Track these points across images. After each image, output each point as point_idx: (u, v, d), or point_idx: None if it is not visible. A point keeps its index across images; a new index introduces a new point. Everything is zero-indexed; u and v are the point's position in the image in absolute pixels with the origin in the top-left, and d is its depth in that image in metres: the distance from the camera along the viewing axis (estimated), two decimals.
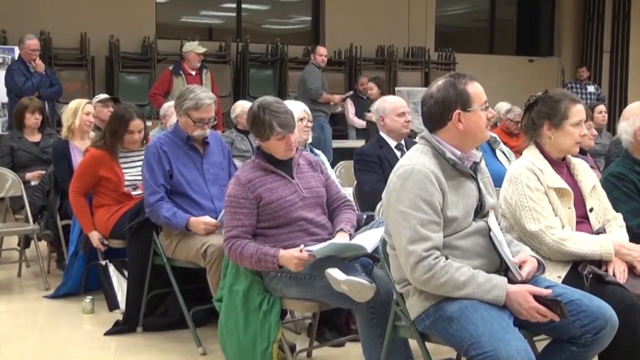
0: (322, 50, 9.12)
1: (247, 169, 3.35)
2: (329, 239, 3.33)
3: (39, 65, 7.52)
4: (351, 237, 3.30)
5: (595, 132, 4.88)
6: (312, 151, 4.47)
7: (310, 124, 4.42)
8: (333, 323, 3.98)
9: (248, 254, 3.18)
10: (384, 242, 2.81)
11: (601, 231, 3.10)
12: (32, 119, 6.02)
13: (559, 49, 13.06)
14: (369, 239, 3.13)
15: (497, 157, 4.85)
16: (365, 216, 3.64)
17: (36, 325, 4.48)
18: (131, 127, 4.61)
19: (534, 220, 2.99)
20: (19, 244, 5.82)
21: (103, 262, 4.65)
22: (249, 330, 3.31)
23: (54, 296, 4.91)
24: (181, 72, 8.10)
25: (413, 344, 2.88)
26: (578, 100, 3.17)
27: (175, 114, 4.21)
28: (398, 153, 4.46)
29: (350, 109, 9.69)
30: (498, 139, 5.04)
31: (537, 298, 2.48)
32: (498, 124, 7.75)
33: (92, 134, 5.49)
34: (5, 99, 7.80)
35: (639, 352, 2.73)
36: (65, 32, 9.35)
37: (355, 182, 4.59)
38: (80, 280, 4.90)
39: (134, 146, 4.68)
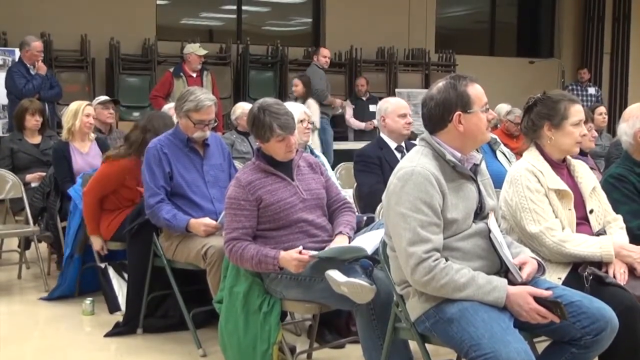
0: (325, 51, 9.12)
1: (248, 170, 3.35)
2: (329, 240, 3.34)
3: (41, 68, 7.52)
4: (350, 239, 3.30)
5: (596, 134, 4.88)
6: (312, 152, 4.47)
7: (310, 126, 4.42)
8: (333, 325, 3.98)
9: (248, 255, 3.18)
10: (384, 244, 2.81)
11: (601, 233, 3.10)
12: (33, 121, 6.02)
13: (559, 50, 13.07)
14: (369, 241, 3.13)
15: (497, 159, 4.84)
16: (365, 218, 3.64)
17: (36, 327, 4.48)
18: None
19: (534, 222, 2.99)
20: (19, 246, 5.82)
21: (102, 265, 4.66)
22: (249, 332, 3.30)
23: (49, 298, 4.91)
24: (182, 74, 8.10)
25: (413, 345, 2.88)
26: (577, 101, 3.18)
27: (176, 115, 4.21)
28: (398, 155, 4.46)
29: (349, 110, 9.70)
30: (498, 140, 5.04)
31: (537, 299, 2.48)
32: (498, 125, 7.75)
33: (92, 135, 5.49)
34: (6, 101, 7.80)
35: (639, 353, 2.73)
36: (66, 33, 9.36)
37: (356, 183, 4.60)
38: (75, 283, 4.90)
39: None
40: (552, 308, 2.45)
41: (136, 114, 9.34)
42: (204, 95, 4.01)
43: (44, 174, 5.65)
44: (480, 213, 2.69)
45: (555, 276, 2.95)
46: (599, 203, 3.20)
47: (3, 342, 4.09)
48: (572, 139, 3.12)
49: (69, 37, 9.43)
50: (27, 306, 4.87)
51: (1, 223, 5.89)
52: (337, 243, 3.26)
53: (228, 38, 10.41)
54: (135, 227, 4.13)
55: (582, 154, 3.96)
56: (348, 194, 4.36)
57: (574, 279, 2.91)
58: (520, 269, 2.63)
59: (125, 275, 4.55)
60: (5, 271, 5.77)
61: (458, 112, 2.62)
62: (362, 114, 9.70)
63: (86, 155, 5.37)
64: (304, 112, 4.35)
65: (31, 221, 5.36)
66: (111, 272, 4.65)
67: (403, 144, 4.57)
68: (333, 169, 5.23)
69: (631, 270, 2.99)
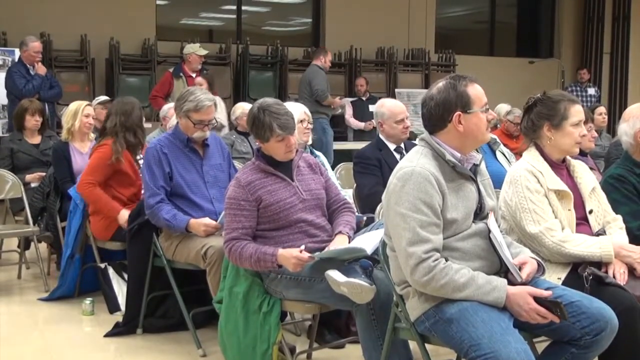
0: (329, 55, 9.12)
1: (247, 171, 3.35)
2: (329, 240, 3.34)
3: (41, 69, 7.52)
4: (350, 239, 3.30)
5: (596, 134, 4.88)
6: (312, 152, 4.46)
7: (310, 126, 4.42)
8: (333, 325, 3.98)
9: (247, 254, 3.18)
10: (383, 244, 2.81)
11: (601, 233, 3.10)
12: (32, 121, 6.02)
13: (559, 50, 13.07)
14: (368, 241, 3.13)
15: (497, 159, 4.85)
16: (365, 218, 3.65)
17: (36, 327, 4.48)
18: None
19: (533, 222, 2.99)
20: (18, 246, 5.82)
21: (102, 265, 4.66)
22: (248, 332, 3.30)
23: (49, 299, 4.91)
24: (182, 74, 8.10)
25: (413, 345, 2.88)
26: (577, 101, 3.18)
27: (175, 115, 4.21)
28: (397, 156, 4.45)
29: (348, 110, 9.70)
30: (498, 140, 5.04)
31: (537, 300, 2.48)
32: (498, 125, 7.75)
33: (92, 135, 5.49)
34: (5, 101, 7.81)
35: (639, 353, 2.73)
36: (66, 34, 9.36)
37: (355, 184, 4.59)
38: (76, 283, 4.90)
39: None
40: (552, 308, 2.45)
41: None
42: (204, 96, 4.02)
43: (43, 174, 5.65)
44: (480, 213, 2.69)
45: (555, 276, 2.95)
46: (598, 203, 3.21)
47: (3, 342, 4.09)
48: (572, 139, 3.12)
49: (68, 37, 9.43)
50: (27, 306, 4.87)
51: (1, 223, 5.88)
52: (337, 243, 3.26)
53: (228, 38, 10.41)
54: (135, 227, 4.13)
55: (582, 154, 3.96)
56: (348, 194, 4.36)
57: (573, 279, 2.91)
58: (520, 269, 2.63)
59: (125, 275, 4.56)
60: (5, 271, 5.77)
61: (458, 112, 2.62)
62: (362, 113, 9.70)
63: (86, 155, 5.34)
64: (303, 112, 4.35)
65: (31, 221, 5.36)
66: (111, 272, 4.65)
67: (402, 145, 4.56)
68: (333, 169, 5.23)
69: (631, 270, 2.99)
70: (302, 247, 3.14)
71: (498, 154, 4.90)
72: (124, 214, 4.50)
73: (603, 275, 2.91)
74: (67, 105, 5.60)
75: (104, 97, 6.73)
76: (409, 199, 2.53)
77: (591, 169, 3.49)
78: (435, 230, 2.53)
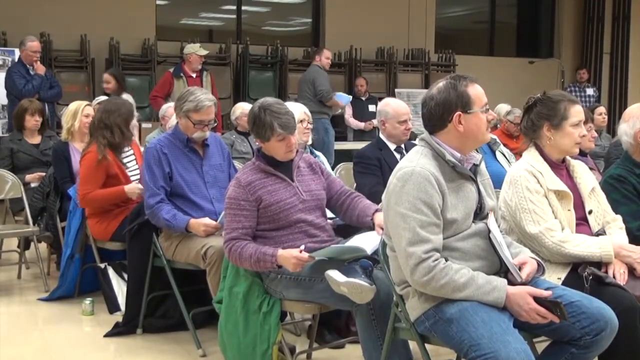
0: (327, 53, 9.01)
1: (248, 171, 3.35)
2: (329, 240, 3.34)
3: (40, 68, 7.52)
4: None
5: (596, 134, 4.87)
6: (312, 152, 4.47)
7: (310, 126, 4.42)
8: (333, 325, 3.98)
9: (247, 254, 3.18)
10: (383, 244, 2.81)
11: (601, 233, 3.10)
12: (32, 121, 6.03)
13: (559, 50, 13.07)
14: (368, 241, 3.13)
15: (497, 159, 4.84)
16: None
17: (36, 327, 4.48)
18: (135, 117, 4.74)
19: (533, 223, 2.99)
20: (18, 246, 5.82)
21: (102, 265, 4.66)
22: (248, 332, 3.30)
23: (49, 299, 4.92)
24: (182, 74, 8.10)
25: (413, 345, 2.88)
26: (577, 101, 3.18)
27: (175, 115, 4.21)
28: (397, 155, 4.46)
29: (348, 110, 9.69)
30: (498, 140, 5.04)
31: (537, 300, 2.48)
32: (498, 125, 7.75)
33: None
34: (5, 101, 7.81)
35: (638, 353, 2.73)
36: (66, 34, 9.36)
37: (355, 184, 4.59)
38: (75, 283, 4.91)
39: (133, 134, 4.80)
40: (551, 308, 2.45)
41: (136, 114, 9.31)
42: (204, 96, 4.02)
43: (43, 174, 5.65)
44: (479, 213, 2.69)
45: (555, 276, 2.95)
46: (598, 203, 3.21)
47: (3, 342, 4.09)
48: (572, 139, 3.12)
49: (68, 37, 9.43)
50: (27, 306, 4.87)
51: (1, 223, 5.88)
52: (378, 218, 3.24)
53: (228, 38, 10.41)
54: (135, 227, 4.13)
55: (582, 154, 3.95)
56: None
57: (573, 279, 2.91)
58: (520, 269, 2.63)
59: (125, 276, 4.56)
60: (5, 271, 5.77)
61: (458, 112, 2.62)
62: (362, 113, 9.70)
63: None
64: (304, 112, 4.35)
65: (31, 221, 5.36)
66: (111, 272, 4.65)
67: (402, 145, 4.56)
68: (333, 169, 5.22)
69: (631, 270, 2.99)
70: (302, 247, 3.14)
71: (498, 154, 4.90)
72: (132, 187, 4.52)
73: (603, 275, 2.91)
74: (67, 105, 5.60)
75: (103, 97, 6.73)
76: (409, 199, 2.53)
77: (591, 169, 3.49)
78: (435, 230, 2.53)
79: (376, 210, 3.39)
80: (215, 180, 4.07)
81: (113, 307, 4.58)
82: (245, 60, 10.30)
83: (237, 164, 4.73)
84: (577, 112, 3.13)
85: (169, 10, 10.94)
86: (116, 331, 4.18)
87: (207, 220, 3.85)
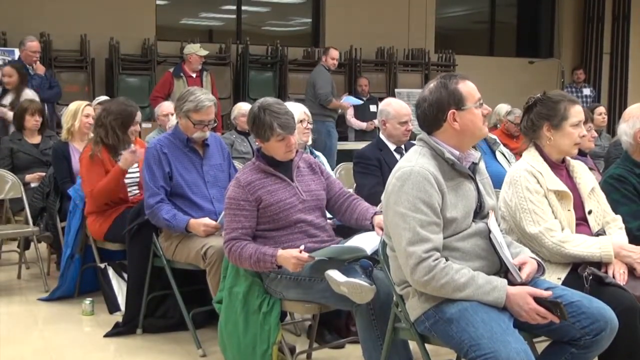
0: (334, 53, 8.90)
1: (247, 171, 3.35)
2: (329, 240, 3.34)
3: (39, 68, 7.52)
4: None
5: (596, 134, 4.87)
6: (312, 153, 4.47)
7: (310, 126, 4.42)
8: (333, 325, 3.98)
9: (247, 254, 3.18)
10: (383, 244, 2.81)
11: (601, 233, 3.10)
12: (32, 121, 6.03)
13: (559, 50, 13.07)
14: (368, 241, 3.13)
15: (497, 159, 4.84)
16: None
17: (35, 327, 4.47)
18: (137, 118, 4.70)
19: (533, 223, 2.99)
20: (18, 246, 5.82)
21: (102, 265, 4.66)
22: (248, 332, 3.31)
23: (49, 299, 4.92)
24: (182, 74, 8.11)
25: (413, 345, 2.88)
26: (577, 101, 3.18)
27: (175, 115, 4.21)
28: (397, 156, 4.46)
29: (350, 110, 9.69)
30: (498, 140, 5.04)
31: (537, 300, 2.48)
32: (498, 125, 7.75)
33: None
34: None
35: (638, 353, 2.73)
36: (65, 34, 9.36)
37: (355, 184, 4.59)
38: (75, 283, 4.91)
39: (134, 136, 4.75)
40: (551, 308, 2.45)
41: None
42: (204, 96, 4.02)
43: (43, 174, 5.65)
44: (479, 212, 2.70)
45: (555, 276, 2.95)
46: (597, 204, 3.21)
47: (3, 342, 4.09)
48: (571, 139, 3.12)
49: (68, 37, 9.43)
50: (27, 306, 4.87)
51: (1, 223, 5.88)
52: (378, 220, 3.26)
53: (228, 38, 10.41)
54: (135, 227, 4.13)
55: (582, 154, 3.96)
56: None
57: (573, 279, 2.91)
58: (520, 269, 2.63)
59: (125, 276, 4.56)
60: (5, 271, 5.77)
61: (452, 110, 2.63)
62: (363, 114, 9.70)
63: None
64: (303, 112, 4.35)
65: (31, 221, 5.36)
66: (111, 272, 4.65)
67: (402, 146, 4.56)
68: (333, 170, 5.22)
69: (631, 270, 2.99)
70: (302, 247, 3.15)
71: (498, 154, 4.90)
72: (124, 157, 4.50)
73: (603, 276, 2.91)
74: (67, 105, 5.61)
75: (103, 97, 6.74)
76: (409, 198, 2.53)
77: (591, 169, 3.49)
78: (435, 230, 2.53)
79: (375, 213, 3.39)
80: (215, 180, 4.07)
81: (113, 307, 4.58)
82: (245, 60, 10.30)
83: (237, 164, 4.73)
84: (577, 112, 3.13)
85: (169, 10, 10.94)
86: (116, 331, 4.18)
87: (207, 220, 3.85)
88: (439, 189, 2.56)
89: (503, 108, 7.77)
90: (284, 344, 3.37)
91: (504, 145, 5.24)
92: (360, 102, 9.24)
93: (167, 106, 6.57)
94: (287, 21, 12.08)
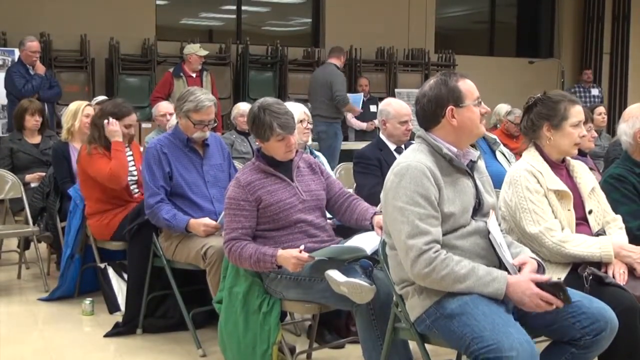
0: (344, 56, 8.80)
1: (247, 171, 3.35)
2: (329, 240, 3.34)
3: (39, 68, 7.53)
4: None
5: (596, 134, 4.87)
6: (311, 153, 4.47)
7: (310, 126, 4.42)
8: (333, 325, 3.98)
9: (247, 254, 3.18)
10: (383, 244, 2.81)
11: (601, 233, 3.10)
12: (32, 121, 6.03)
13: (559, 50, 13.07)
14: (368, 241, 3.13)
15: (497, 159, 4.84)
16: None
17: (35, 327, 4.47)
18: (127, 121, 4.65)
19: (533, 223, 2.99)
20: (18, 246, 5.82)
21: (102, 265, 4.66)
22: (248, 332, 3.30)
23: (49, 299, 4.92)
24: (182, 74, 8.10)
25: (413, 345, 2.88)
26: (577, 101, 3.18)
27: (175, 115, 4.21)
28: (397, 156, 4.43)
29: None
30: (498, 140, 5.04)
31: (539, 285, 2.46)
32: (498, 125, 7.75)
33: None
34: (5, 101, 7.81)
35: (638, 353, 2.73)
36: (65, 34, 9.36)
37: (355, 184, 4.59)
38: (75, 283, 4.91)
39: (126, 139, 4.71)
40: (555, 292, 2.43)
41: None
42: (204, 96, 4.02)
43: (43, 174, 5.65)
44: (479, 210, 2.69)
45: (555, 276, 2.94)
46: (598, 203, 3.21)
47: (3, 342, 4.09)
48: (571, 140, 3.12)
49: (68, 37, 9.43)
50: (27, 306, 4.87)
51: (1, 223, 5.88)
52: (377, 220, 3.26)
53: (228, 38, 10.41)
54: (135, 227, 4.13)
55: (582, 154, 3.96)
56: None
57: (573, 279, 2.90)
58: (519, 269, 2.63)
59: (125, 276, 4.56)
60: (4, 271, 5.77)
61: (450, 107, 2.64)
62: (363, 114, 9.67)
63: None
64: (303, 112, 4.35)
65: (31, 221, 5.36)
66: (111, 272, 4.65)
67: (402, 146, 4.56)
68: (333, 170, 5.22)
69: (631, 270, 2.99)
70: (302, 247, 3.15)
71: (498, 154, 4.90)
72: (110, 132, 4.52)
73: (603, 276, 2.91)
74: (67, 105, 5.60)
75: (103, 97, 6.73)
76: (407, 192, 2.54)
77: (591, 169, 3.49)
78: (434, 223, 2.53)
79: (375, 213, 3.39)
80: (215, 180, 4.07)
81: (113, 307, 4.58)
82: (245, 60, 10.30)
83: (237, 164, 4.73)
84: (577, 112, 3.13)
85: (169, 10, 10.94)
86: (116, 331, 4.18)
87: (207, 220, 3.85)
88: (436, 183, 2.57)
89: (503, 108, 7.77)
90: (284, 344, 3.37)
91: (504, 145, 5.24)
92: (360, 95, 9.25)
93: (164, 106, 6.57)
94: (287, 21, 12.08)
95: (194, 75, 8.16)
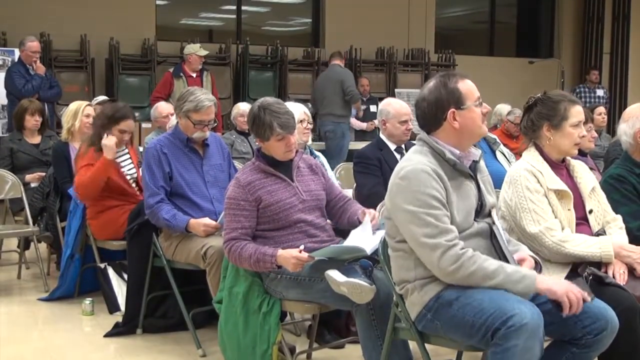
0: (343, 56, 9.30)
1: (247, 171, 3.35)
2: (329, 240, 3.34)
3: (39, 68, 7.52)
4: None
5: (596, 135, 4.87)
6: (311, 153, 4.47)
7: (310, 126, 4.42)
8: (333, 325, 3.98)
9: (247, 254, 3.18)
10: (384, 244, 2.81)
11: (601, 233, 3.09)
12: (32, 121, 6.03)
13: (559, 50, 13.07)
14: (368, 241, 3.13)
15: (497, 159, 4.84)
16: None
17: (35, 327, 4.48)
18: (122, 126, 4.61)
19: (533, 222, 2.99)
20: (18, 246, 5.82)
21: (102, 265, 4.66)
22: (248, 332, 3.30)
23: (49, 299, 4.92)
24: (182, 74, 8.10)
25: (413, 345, 2.88)
26: (577, 102, 3.17)
27: (175, 115, 4.21)
28: (398, 156, 4.45)
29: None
30: (498, 140, 5.04)
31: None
32: (498, 125, 7.75)
33: None
34: (5, 101, 7.81)
35: (638, 353, 2.73)
36: (66, 34, 9.36)
37: (355, 184, 4.59)
38: (75, 283, 4.91)
39: (120, 146, 4.68)
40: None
41: (136, 114, 9.29)
42: (204, 96, 4.01)
43: (43, 174, 5.65)
44: (481, 211, 2.69)
45: (555, 276, 2.94)
46: (598, 203, 3.20)
47: (3, 342, 4.09)
48: (571, 140, 3.12)
49: (68, 37, 9.43)
50: (27, 306, 4.87)
51: (1, 223, 5.88)
52: (367, 220, 3.29)
53: (228, 38, 10.41)
54: (135, 227, 4.13)
55: (582, 154, 3.95)
56: (348, 194, 4.35)
57: (573, 279, 2.90)
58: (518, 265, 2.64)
59: (125, 275, 4.56)
60: (4, 271, 5.77)
61: (452, 110, 2.63)
62: (363, 114, 9.70)
63: None
64: (303, 112, 4.35)
65: (31, 221, 5.36)
66: (111, 272, 4.65)
67: (403, 145, 4.56)
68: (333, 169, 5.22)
69: (631, 270, 2.99)
70: (302, 247, 3.14)
71: (498, 154, 4.90)
72: (105, 148, 4.48)
73: (603, 275, 2.91)
74: (67, 105, 5.60)
75: (103, 97, 6.73)
76: (417, 196, 2.53)
77: (591, 169, 3.48)
78: (449, 221, 2.54)
79: (363, 212, 3.42)
80: (215, 180, 4.07)
81: (113, 307, 4.58)
82: (245, 60, 10.29)
83: (237, 164, 4.73)
84: (577, 112, 3.12)
85: (169, 10, 10.94)
86: (116, 331, 4.18)
87: (207, 220, 3.85)
88: (442, 183, 2.56)
89: (504, 108, 7.76)
90: (284, 344, 3.37)
91: (504, 145, 5.24)
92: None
93: (164, 107, 6.56)
94: (287, 21, 12.07)
95: (194, 75, 8.15)
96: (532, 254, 2.75)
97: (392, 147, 4.55)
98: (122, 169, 4.70)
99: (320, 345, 3.90)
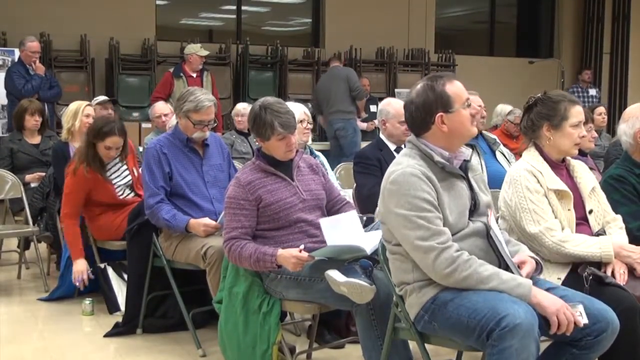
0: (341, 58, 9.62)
1: (248, 170, 3.35)
2: None
3: (39, 68, 7.52)
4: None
5: (596, 135, 4.87)
6: (311, 153, 4.47)
7: (310, 126, 4.42)
8: (333, 325, 3.98)
9: (247, 254, 3.18)
10: (383, 248, 2.80)
11: (601, 233, 3.09)
12: (32, 121, 6.03)
13: (559, 50, 13.07)
14: (368, 241, 3.13)
15: (497, 159, 4.84)
16: (365, 218, 3.65)
17: (35, 327, 4.48)
18: (107, 142, 4.55)
19: (533, 222, 2.99)
20: (18, 246, 5.82)
21: (102, 265, 4.66)
22: (248, 332, 3.30)
23: (49, 299, 4.92)
24: (182, 74, 8.10)
25: (413, 345, 2.88)
26: (577, 102, 3.17)
27: (175, 115, 4.21)
28: (397, 156, 4.45)
29: None
30: (498, 140, 5.04)
31: None
32: (498, 125, 7.74)
33: None
34: (5, 101, 7.81)
35: (639, 353, 2.73)
36: (65, 34, 9.35)
37: (355, 184, 4.59)
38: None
39: (107, 160, 4.64)
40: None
41: (135, 114, 9.35)
42: (204, 96, 4.01)
43: (43, 174, 5.65)
44: (475, 210, 2.69)
45: (555, 276, 2.95)
46: (598, 203, 3.20)
47: (3, 342, 4.09)
48: (571, 140, 3.12)
49: (68, 37, 9.42)
50: (26, 306, 4.87)
51: (1, 223, 5.88)
52: (347, 216, 3.27)
53: (228, 38, 10.41)
54: (135, 227, 4.13)
55: (582, 154, 3.95)
56: (348, 194, 4.36)
57: (573, 279, 2.91)
58: (519, 267, 2.63)
59: (125, 276, 4.56)
60: (4, 271, 5.77)
61: (440, 114, 2.62)
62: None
63: None
64: (304, 112, 4.35)
65: (30, 221, 5.36)
66: (111, 272, 4.65)
67: (402, 146, 4.56)
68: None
69: (631, 270, 2.99)
70: (302, 246, 3.14)
71: (498, 154, 4.90)
72: (82, 262, 4.53)
73: (603, 276, 2.91)
74: (67, 105, 5.60)
75: (102, 97, 6.73)
76: (408, 200, 2.53)
77: (591, 169, 3.48)
78: (442, 224, 2.53)
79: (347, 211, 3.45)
80: (215, 180, 4.07)
81: (113, 307, 4.58)
82: (245, 60, 10.29)
83: (237, 164, 4.73)
84: (577, 112, 3.12)
85: (169, 10, 10.94)
86: (116, 331, 4.18)
87: (207, 220, 3.85)
88: (433, 186, 2.56)
89: (505, 108, 7.75)
90: (284, 344, 3.37)
91: (504, 145, 5.24)
92: None
93: (159, 107, 6.55)
94: (287, 21, 12.07)
95: (194, 75, 8.15)
96: (532, 254, 2.75)
97: (392, 147, 4.55)
98: (114, 181, 4.67)
99: (320, 345, 3.90)
